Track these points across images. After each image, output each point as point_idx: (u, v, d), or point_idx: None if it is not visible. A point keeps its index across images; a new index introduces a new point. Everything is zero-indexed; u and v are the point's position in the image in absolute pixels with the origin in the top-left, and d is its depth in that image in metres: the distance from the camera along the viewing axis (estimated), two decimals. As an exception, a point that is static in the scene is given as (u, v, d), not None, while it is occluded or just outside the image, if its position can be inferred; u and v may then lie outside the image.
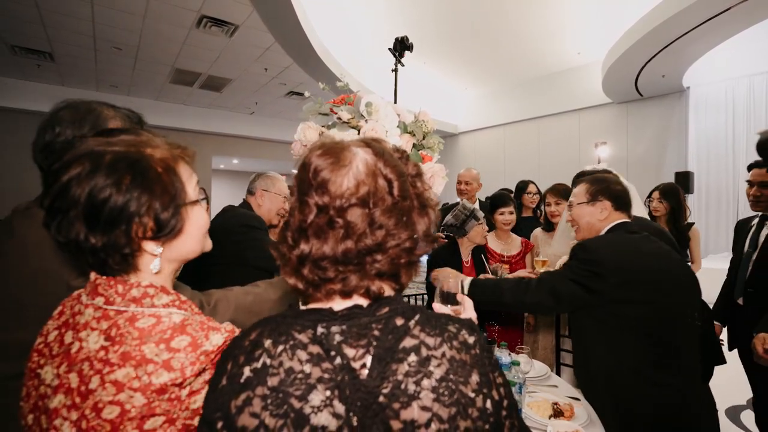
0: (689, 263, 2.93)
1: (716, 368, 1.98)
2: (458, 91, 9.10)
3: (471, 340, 0.55)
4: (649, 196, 2.99)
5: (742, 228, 2.32)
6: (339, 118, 1.59)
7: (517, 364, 1.42)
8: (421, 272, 2.37)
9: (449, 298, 0.96)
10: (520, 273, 2.18)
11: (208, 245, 0.74)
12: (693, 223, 2.97)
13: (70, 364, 0.58)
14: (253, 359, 0.52)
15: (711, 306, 2.24)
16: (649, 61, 5.45)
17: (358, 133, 1.56)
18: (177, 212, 0.64)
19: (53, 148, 0.90)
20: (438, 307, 0.94)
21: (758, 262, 2.09)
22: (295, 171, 0.60)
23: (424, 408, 0.49)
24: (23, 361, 0.65)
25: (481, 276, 2.19)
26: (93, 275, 0.64)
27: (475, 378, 0.52)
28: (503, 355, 1.52)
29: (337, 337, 0.53)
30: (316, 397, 0.49)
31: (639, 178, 5.94)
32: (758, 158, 1.88)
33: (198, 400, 0.58)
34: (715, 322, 2.28)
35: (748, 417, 2.66)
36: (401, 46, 2.05)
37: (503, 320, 2.33)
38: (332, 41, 5.75)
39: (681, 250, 2.71)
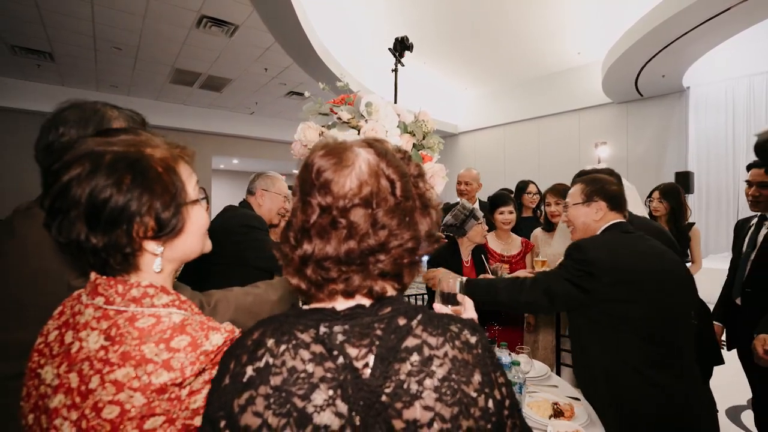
0: (690, 263, 2.93)
1: (716, 368, 1.98)
2: (458, 91, 9.11)
3: (473, 339, 0.55)
4: (650, 196, 2.99)
5: (741, 228, 2.32)
6: (339, 118, 1.59)
7: (517, 364, 1.42)
8: (422, 272, 2.36)
9: (450, 299, 0.96)
10: (520, 273, 2.18)
11: (208, 246, 0.74)
12: (693, 223, 2.97)
13: (70, 364, 0.58)
14: (255, 358, 0.52)
15: (712, 306, 2.25)
16: (649, 61, 5.45)
17: (358, 133, 1.55)
18: (178, 211, 0.64)
19: (56, 148, 0.90)
20: (438, 307, 0.94)
21: (756, 262, 2.09)
22: (295, 171, 0.60)
23: (426, 407, 0.49)
24: (23, 361, 0.65)
25: (481, 276, 2.19)
26: (93, 275, 0.64)
27: (477, 378, 0.52)
28: (503, 355, 1.52)
29: (340, 337, 0.53)
30: (319, 397, 0.49)
31: (639, 178, 5.95)
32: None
33: (198, 400, 0.58)
34: (715, 323, 2.28)
35: (749, 417, 2.66)
36: (401, 46, 2.04)
37: (503, 320, 2.33)
38: (332, 41, 5.75)
39: (681, 250, 2.71)
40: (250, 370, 0.52)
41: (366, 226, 0.54)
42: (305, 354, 0.52)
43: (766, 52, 5.84)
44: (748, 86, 6.08)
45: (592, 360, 1.41)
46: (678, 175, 5.95)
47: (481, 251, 2.40)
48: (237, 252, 1.76)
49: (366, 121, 1.56)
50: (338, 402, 0.49)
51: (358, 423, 0.48)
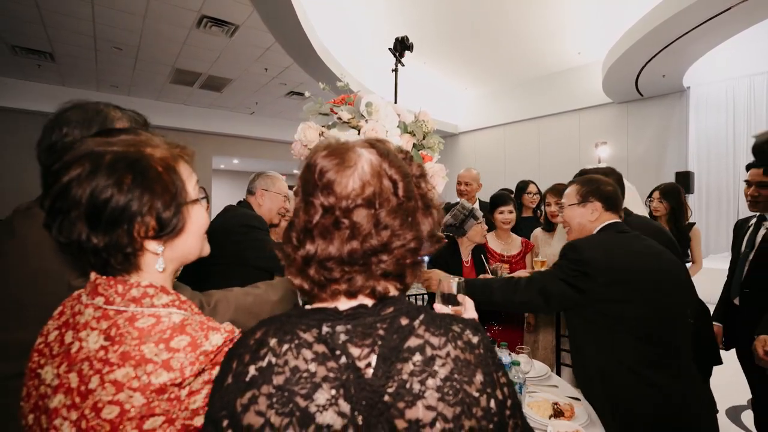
0: (690, 263, 2.93)
1: (716, 368, 1.98)
2: (458, 91, 9.11)
3: (475, 339, 0.55)
4: (650, 196, 2.99)
5: (740, 228, 2.32)
6: (339, 118, 1.59)
7: (518, 364, 1.42)
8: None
9: (450, 299, 0.97)
10: (520, 273, 2.18)
11: (206, 249, 0.74)
12: (694, 223, 2.97)
13: (70, 364, 0.58)
14: (258, 358, 0.52)
15: (712, 306, 2.24)
16: (650, 61, 5.45)
17: (359, 133, 1.55)
18: (178, 211, 0.64)
19: (59, 148, 0.90)
20: (439, 307, 0.94)
21: (754, 262, 2.09)
22: (296, 171, 0.60)
23: (428, 407, 0.49)
24: (23, 361, 0.65)
25: (481, 276, 2.19)
26: (93, 275, 0.64)
27: (479, 377, 0.52)
28: (503, 355, 1.52)
29: (342, 337, 0.53)
30: (322, 396, 0.49)
31: (639, 178, 5.96)
32: (758, 158, 1.88)
33: (197, 401, 0.58)
34: (714, 323, 2.28)
35: (749, 417, 2.66)
36: (401, 46, 2.04)
37: (503, 320, 2.33)
38: (332, 41, 5.75)
39: (682, 251, 2.71)
40: (252, 370, 0.52)
41: (369, 226, 0.54)
42: (308, 353, 0.52)
43: (766, 52, 5.84)
44: (748, 86, 6.08)
45: (588, 360, 1.42)
46: (678, 175, 5.96)
47: (481, 251, 2.40)
48: (237, 252, 1.76)
49: (366, 121, 1.56)
50: (341, 401, 0.49)
51: (360, 422, 0.48)
